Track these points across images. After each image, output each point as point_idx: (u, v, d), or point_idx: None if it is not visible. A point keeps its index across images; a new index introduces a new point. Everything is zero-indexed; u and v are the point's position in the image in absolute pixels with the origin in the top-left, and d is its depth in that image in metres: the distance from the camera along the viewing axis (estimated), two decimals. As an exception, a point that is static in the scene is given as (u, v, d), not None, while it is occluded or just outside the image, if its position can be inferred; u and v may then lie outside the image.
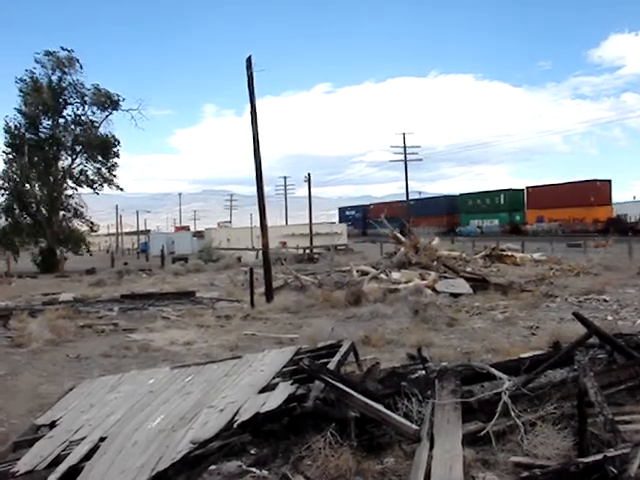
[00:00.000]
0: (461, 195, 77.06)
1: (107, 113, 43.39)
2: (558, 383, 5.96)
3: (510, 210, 68.32)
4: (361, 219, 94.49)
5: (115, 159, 44.17)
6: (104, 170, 43.98)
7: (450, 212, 76.00)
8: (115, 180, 44.52)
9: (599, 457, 4.35)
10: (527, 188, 68.21)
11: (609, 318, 12.42)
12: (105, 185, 44.41)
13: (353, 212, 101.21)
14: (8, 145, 41.75)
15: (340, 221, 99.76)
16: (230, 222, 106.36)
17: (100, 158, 43.57)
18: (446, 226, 70.38)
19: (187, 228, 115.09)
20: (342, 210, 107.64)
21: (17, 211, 42.21)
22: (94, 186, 44.05)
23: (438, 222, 70.14)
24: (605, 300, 15.00)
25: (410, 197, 74.23)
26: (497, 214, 69.66)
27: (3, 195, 42.10)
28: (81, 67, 42.66)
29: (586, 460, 4.43)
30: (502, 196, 70.00)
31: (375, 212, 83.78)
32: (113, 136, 43.98)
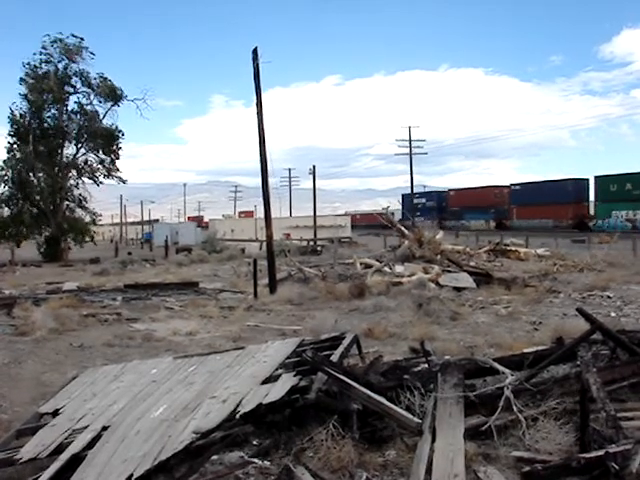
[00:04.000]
0: (600, 177, 56.27)
1: (111, 104, 43.15)
2: (561, 378, 5.96)
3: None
4: (435, 208, 78.41)
5: (119, 151, 44.00)
6: (107, 162, 43.75)
7: (578, 200, 58.15)
8: (117, 173, 44.34)
9: (601, 453, 4.35)
10: None
11: (612, 315, 12.41)
12: (107, 177, 44.21)
13: (423, 200, 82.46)
14: (13, 134, 41.59)
15: (404, 210, 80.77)
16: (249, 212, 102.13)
17: (103, 150, 43.36)
18: (572, 218, 56.84)
19: (201, 218, 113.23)
20: (406, 197, 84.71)
21: (20, 201, 42.07)
22: (97, 177, 43.91)
23: (558, 213, 57.98)
24: (609, 297, 14.98)
25: (415, 191, 71.88)
26: (660, 203, 50.65)
27: (6, 184, 41.93)
28: (92, 54, 42.29)
29: (588, 456, 4.44)
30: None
31: (456, 200, 74.27)
32: (117, 127, 43.86)
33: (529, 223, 58.86)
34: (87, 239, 43.26)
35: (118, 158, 44.00)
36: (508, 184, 68.84)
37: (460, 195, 74.89)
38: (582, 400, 5.06)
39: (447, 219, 74.08)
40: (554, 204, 57.68)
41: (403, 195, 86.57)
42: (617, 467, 4.15)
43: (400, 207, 65.13)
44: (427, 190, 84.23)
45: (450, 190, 79.76)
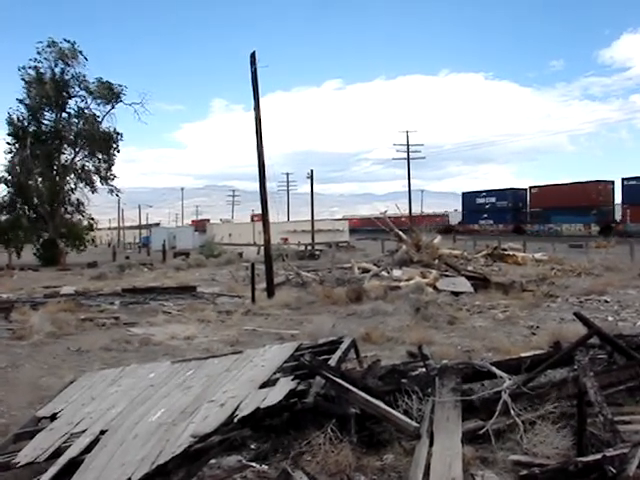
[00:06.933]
0: None
1: (110, 107, 43.14)
2: (558, 382, 5.97)
3: None
4: (509, 210, 65.80)
5: (115, 155, 43.88)
6: (103, 168, 43.59)
7: None
8: (113, 180, 44.24)
9: (598, 457, 4.36)
10: None
11: (610, 319, 12.42)
12: (103, 184, 44.08)
13: (493, 199, 67.95)
14: (11, 137, 41.54)
15: (464, 212, 72.56)
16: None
17: (101, 155, 43.23)
18: None
19: (205, 222, 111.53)
20: (468, 197, 72.24)
21: (19, 205, 42.01)
22: (93, 183, 43.77)
23: None
24: (606, 301, 14.99)
25: (413, 196, 69.67)
26: None
27: (7, 189, 41.85)
28: (86, 59, 42.39)
29: (585, 459, 4.45)
30: None
31: (541, 199, 62.14)
32: (115, 129, 43.78)
33: None
34: (82, 247, 43.09)
35: (114, 164, 43.94)
36: (611, 179, 58.68)
37: (546, 193, 61.91)
38: (579, 404, 5.07)
39: (527, 223, 63.81)
40: None
41: (464, 194, 74.37)
42: (614, 471, 4.16)
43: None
44: (499, 188, 70.69)
45: (532, 187, 66.03)
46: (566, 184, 62.56)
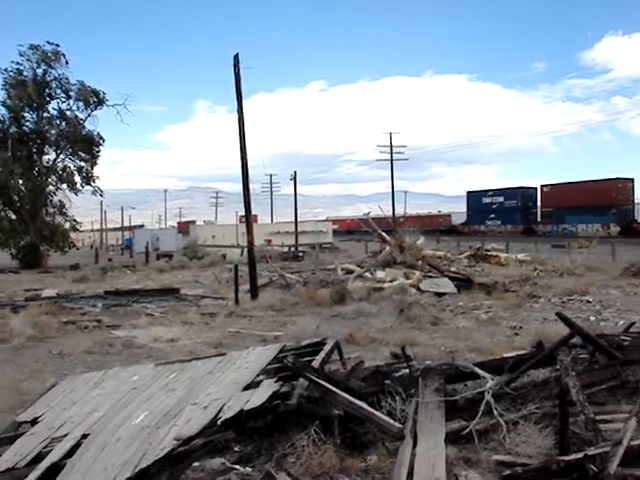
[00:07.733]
0: None
1: (92, 108, 42.81)
2: (540, 382, 6.01)
3: None
4: (519, 210, 62.54)
5: (98, 157, 43.45)
6: (86, 169, 43.20)
7: None
8: (96, 181, 43.77)
9: (580, 455, 4.40)
10: None
11: (592, 319, 12.52)
12: (85, 185, 43.50)
13: (500, 199, 64.53)
14: None
15: (469, 212, 69.18)
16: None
17: (83, 155, 42.89)
18: None
19: (193, 222, 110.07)
20: (474, 196, 68.91)
21: (0, 207, 41.56)
22: (75, 184, 43.39)
23: None
24: (588, 301, 15.13)
25: (396, 197, 69.13)
26: None
27: None
28: (67, 62, 42.09)
29: (567, 458, 4.48)
30: None
31: (553, 198, 58.43)
32: (98, 133, 43.36)
33: None
34: (66, 248, 42.78)
35: (96, 164, 43.60)
36: (630, 177, 55.43)
37: (558, 191, 58.30)
38: (561, 403, 5.10)
39: (537, 223, 60.99)
40: None
41: (469, 193, 70.83)
42: (596, 469, 4.19)
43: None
44: (507, 187, 67.18)
45: (543, 185, 61.89)
46: (581, 182, 58.83)
